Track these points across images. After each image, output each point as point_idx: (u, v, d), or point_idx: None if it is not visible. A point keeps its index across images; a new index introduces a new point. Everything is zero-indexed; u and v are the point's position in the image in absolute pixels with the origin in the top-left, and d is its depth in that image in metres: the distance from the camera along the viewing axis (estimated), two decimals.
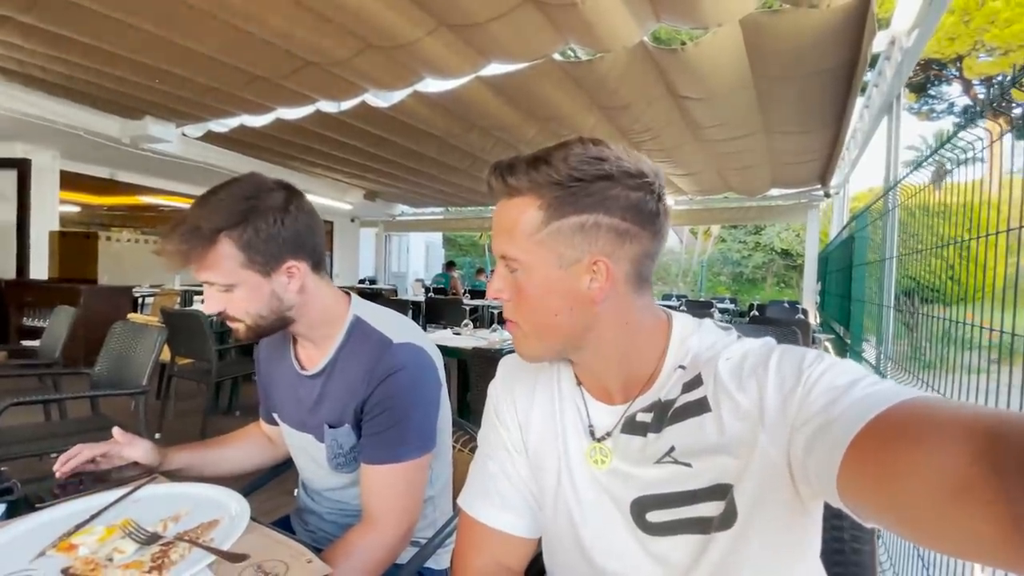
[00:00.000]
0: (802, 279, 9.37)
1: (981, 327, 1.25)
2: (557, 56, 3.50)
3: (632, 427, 0.63)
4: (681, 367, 0.62)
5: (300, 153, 6.33)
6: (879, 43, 3.11)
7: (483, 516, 0.70)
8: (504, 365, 0.78)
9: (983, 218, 1.28)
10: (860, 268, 3.53)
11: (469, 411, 1.80)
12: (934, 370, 1.62)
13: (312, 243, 0.92)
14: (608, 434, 0.65)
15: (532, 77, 3.81)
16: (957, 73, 16.28)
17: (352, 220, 11.68)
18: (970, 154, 1.36)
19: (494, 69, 3.74)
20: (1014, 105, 1.13)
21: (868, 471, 0.42)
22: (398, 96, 4.45)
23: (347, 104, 4.62)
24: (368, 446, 0.92)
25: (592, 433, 0.66)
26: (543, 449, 0.70)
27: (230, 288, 0.87)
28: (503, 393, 0.76)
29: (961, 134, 1.38)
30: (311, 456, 1.02)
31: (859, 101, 4.15)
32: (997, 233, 1.19)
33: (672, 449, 0.59)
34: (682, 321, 0.65)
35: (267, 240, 0.86)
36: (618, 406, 0.65)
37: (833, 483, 0.44)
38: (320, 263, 0.95)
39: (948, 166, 1.52)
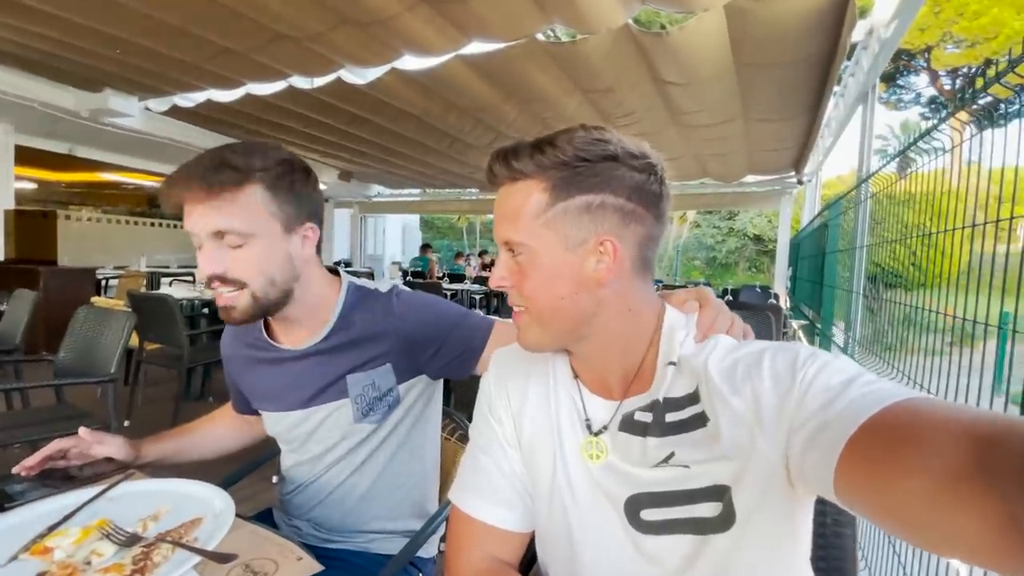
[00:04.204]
0: (773, 264, 9.59)
1: (942, 313, 1.29)
2: (540, 36, 3.44)
3: (630, 426, 0.62)
4: (672, 363, 0.61)
5: (271, 131, 6.11)
6: (858, 33, 3.14)
7: (475, 511, 0.69)
8: (497, 359, 0.77)
9: (946, 207, 1.32)
10: (832, 255, 3.62)
11: (454, 400, 1.80)
12: (895, 352, 1.68)
13: (321, 218, 0.92)
14: (605, 428, 0.64)
15: (514, 57, 3.73)
16: (925, 64, 16.68)
17: (326, 200, 11.42)
18: (935, 144, 1.39)
19: (475, 48, 3.66)
20: (981, 97, 1.16)
21: (864, 470, 0.42)
22: (375, 73, 4.32)
23: (321, 80, 4.46)
24: (460, 343, 0.95)
25: (589, 427, 0.65)
26: (537, 443, 0.69)
27: (246, 239, 0.80)
28: (496, 387, 0.74)
29: (927, 126, 1.42)
30: (311, 430, 0.97)
31: (835, 90, 4.21)
32: (963, 228, 1.22)
33: (671, 455, 0.58)
34: (673, 312, 0.65)
35: (298, 195, 0.85)
36: (615, 401, 0.64)
37: (830, 483, 0.45)
38: (319, 245, 0.94)
39: (915, 156, 1.55)
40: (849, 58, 3.66)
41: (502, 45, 3.54)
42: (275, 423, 1.02)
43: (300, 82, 4.55)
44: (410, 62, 4.06)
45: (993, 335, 1.09)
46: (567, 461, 0.66)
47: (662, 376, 0.61)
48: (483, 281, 8.25)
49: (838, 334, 3.14)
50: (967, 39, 13.94)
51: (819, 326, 4.00)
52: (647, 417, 0.61)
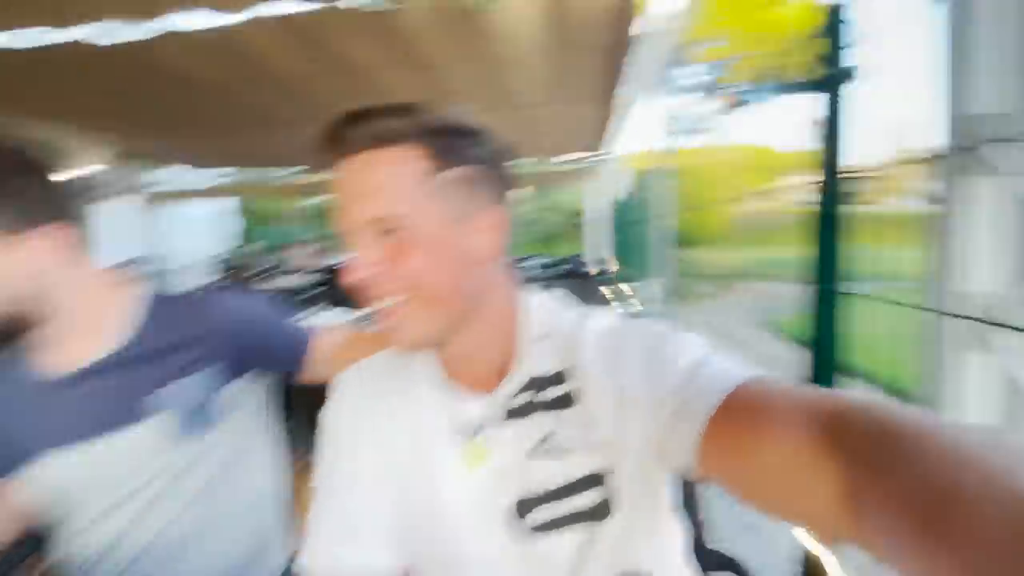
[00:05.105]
0: (590, 235, 10.60)
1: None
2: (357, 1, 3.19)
3: (511, 412, 0.60)
4: (540, 338, 0.60)
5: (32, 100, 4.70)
6: (645, 24, 3.55)
7: (336, 560, 0.60)
8: (341, 386, 0.67)
9: (710, 177, 1.60)
10: (639, 224, 4.16)
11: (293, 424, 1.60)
12: (685, 298, 2.01)
13: (54, 214, 0.76)
14: (484, 425, 0.60)
15: (326, 22, 3.42)
16: (703, 56, 19.80)
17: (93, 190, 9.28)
18: (701, 125, 1.67)
19: (279, 8, 3.25)
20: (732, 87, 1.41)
21: (723, 447, 0.45)
22: (138, 34, 3.55)
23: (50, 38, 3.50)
24: (283, 345, 0.91)
25: (466, 430, 0.61)
26: (406, 472, 0.63)
27: None
28: (348, 415, 0.65)
29: (699, 111, 1.68)
30: (112, 466, 0.77)
31: (630, 75, 4.74)
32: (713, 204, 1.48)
33: (546, 438, 0.58)
34: (531, 290, 0.65)
35: (7, 198, 0.71)
36: (493, 393, 0.61)
37: (692, 458, 0.47)
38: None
39: (687, 136, 1.84)
40: (638, 49, 4.15)
41: (312, 6, 3.21)
42: (59, 473, 0.77)
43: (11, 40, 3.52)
44: (189, 21, 3.44)
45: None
46: (444, 475, 0.61)
47: (531, 352, 0.60)
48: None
49: (655, 287, 3.64)
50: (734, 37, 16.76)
51: (636, 283, 4.59)
52: (524, 398, 0.59)
